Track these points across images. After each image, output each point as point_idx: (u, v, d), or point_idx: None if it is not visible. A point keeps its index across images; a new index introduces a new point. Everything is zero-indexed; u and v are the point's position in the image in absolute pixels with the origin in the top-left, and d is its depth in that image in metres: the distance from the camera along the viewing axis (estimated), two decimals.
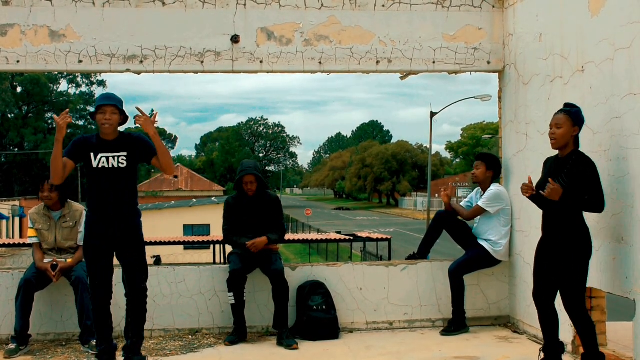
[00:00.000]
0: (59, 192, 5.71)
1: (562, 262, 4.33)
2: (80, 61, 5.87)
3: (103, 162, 4.75)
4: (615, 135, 4.45)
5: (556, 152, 4.53)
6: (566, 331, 5.07)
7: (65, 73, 62.53)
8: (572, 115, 4.37)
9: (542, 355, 4.64)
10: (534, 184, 4.54)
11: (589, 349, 4.35)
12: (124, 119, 4.86)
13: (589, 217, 4.72)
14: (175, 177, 58.82)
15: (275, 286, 5.72)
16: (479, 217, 6.14)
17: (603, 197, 4.29)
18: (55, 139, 4.70)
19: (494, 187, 6.09)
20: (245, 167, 5.91)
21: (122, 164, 4.78)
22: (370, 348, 5.49)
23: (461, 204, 6.39)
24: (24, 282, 5.48)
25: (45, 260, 5.62)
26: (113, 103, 4.77)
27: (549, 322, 4.57)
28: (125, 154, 4.80)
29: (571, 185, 4.28)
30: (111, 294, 4.89)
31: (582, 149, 4.47)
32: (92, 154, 4.77)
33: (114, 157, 4.77)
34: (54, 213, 5.76)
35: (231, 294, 5.71)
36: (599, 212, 4.33)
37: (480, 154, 6.42)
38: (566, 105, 4.48)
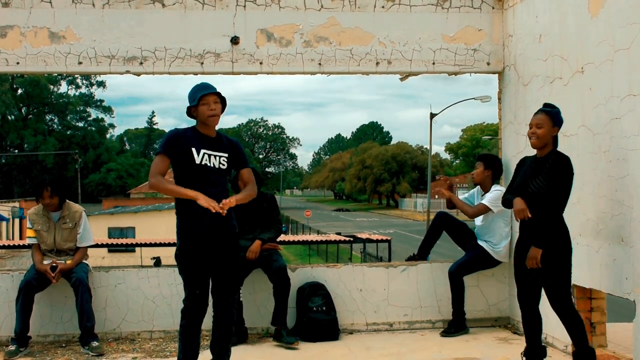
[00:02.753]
0: (58, 196, 5.71)
1: (544, 262, 4.28)
2: (80, 63, 5.87)
3: (205, 160, 4.21)
4: (615, 136, 4.44)
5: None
6: (565, 332, 5.07)
7: (65, 74, 62.55)
8: (552, 116, 4.35)
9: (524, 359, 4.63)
10: (506, 186, 4.53)
11: (579, 346, 4.34)
12: (223, 109, 4.35)
13: (591, 219, 4.72)
14: None
15: (277, 283, 5.70)
16: (479, 217, 6.12)
17: (561, 203, 4.24)
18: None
19: (497, 188, 6.07)
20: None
21: (223, 165, 4.27)
22: (370, 349, 5.49)
23: (460, 198, 6.35)
24: (24, 284, 5.48)
25: (45, 262, 5.61)
26: (216, 92, 4.24)
27: (532, 325, 4.54)
28: (226, 155, 4.29)
29: (548, 186, 4.24)
30: (207, 307, 4.46)
31: (581, 150, 4.47)
32: (193, 149, 4.19)
33: (216, 156, 4.24)
34: (53, 214, 5.75)
35: None
36: (551, 215, 4.24)
37: (480, 155, 6.42)
38: (546, 105, 4.46)
